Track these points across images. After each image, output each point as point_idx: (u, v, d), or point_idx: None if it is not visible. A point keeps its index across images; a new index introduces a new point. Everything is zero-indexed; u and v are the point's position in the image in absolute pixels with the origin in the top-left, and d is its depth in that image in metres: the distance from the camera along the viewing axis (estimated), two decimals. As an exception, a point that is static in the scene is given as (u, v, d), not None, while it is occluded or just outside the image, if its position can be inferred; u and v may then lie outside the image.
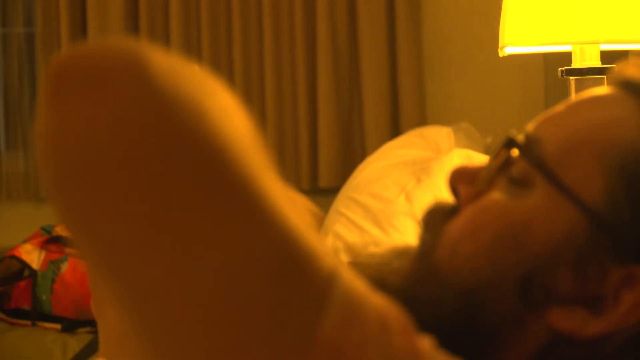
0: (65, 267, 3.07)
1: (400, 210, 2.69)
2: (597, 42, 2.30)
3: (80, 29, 4.02)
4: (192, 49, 3.91)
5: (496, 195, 0.82)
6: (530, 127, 0.85)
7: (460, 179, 0.86)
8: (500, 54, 2.43)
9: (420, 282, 0.82)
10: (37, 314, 3.06)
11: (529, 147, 0.82)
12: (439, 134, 3.17)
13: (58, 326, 3.00)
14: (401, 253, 0.89)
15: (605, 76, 2.14)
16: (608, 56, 2.32)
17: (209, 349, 0.59)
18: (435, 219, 0.87)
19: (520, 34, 2.35)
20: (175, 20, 3.93)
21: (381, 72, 3.88)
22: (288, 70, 3.94)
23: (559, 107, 0.87)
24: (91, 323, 2.95)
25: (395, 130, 3.85)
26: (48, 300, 3.04)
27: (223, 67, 3.90)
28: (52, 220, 3.42)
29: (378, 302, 0.65)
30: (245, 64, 3.96)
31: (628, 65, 0.89)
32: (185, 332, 0.59)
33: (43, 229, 3.27)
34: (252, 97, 3.96)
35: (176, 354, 0.59)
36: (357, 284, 0.64)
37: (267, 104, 3.93)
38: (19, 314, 3.10)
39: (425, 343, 0.67)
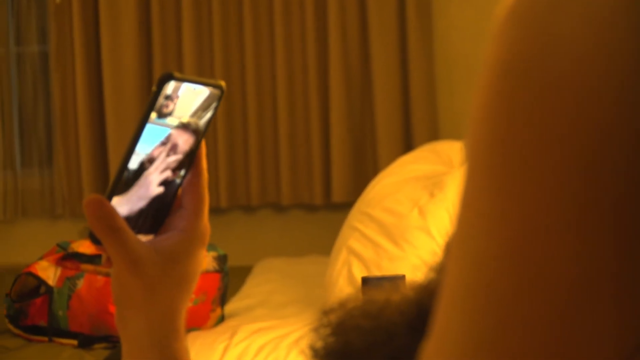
0: (81, 284, 3.07)
1: (414, 225, 2.70)
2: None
3: (93, 47, 4.04)
4: (204, 66, 3.94)
5: None
6: None
7: None
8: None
9: None
10: (54, 330, 3.07)
11: None
12: (451, 148, 3.18)
13: (74, 342, 3.01)
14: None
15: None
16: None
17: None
18: None
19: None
20: (187, 37, 3.95)
21: (393, 87, 3.89)
22: (300, 87, 3.96)
23: None
24: (107, 339, 2.96)
25: (407, 145, 3.86)
26: (64, 317, 3.05)
27: (235, 85, 3.92)
28: (67, 236, 3.44)
29: None
30: (258, 81, 3.98)
31: None
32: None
33: (59, 245, 3.28)
34: (265, 114, 3.99)
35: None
36: None
37: (280, 120, 3.94)
38: (35, 330, 3.11)
39: None
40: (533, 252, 0.52)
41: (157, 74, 3.98)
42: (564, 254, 0.51)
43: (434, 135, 3.82)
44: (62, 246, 3.25)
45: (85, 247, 3.10)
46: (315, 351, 0.86)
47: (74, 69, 4.03)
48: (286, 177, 3.97)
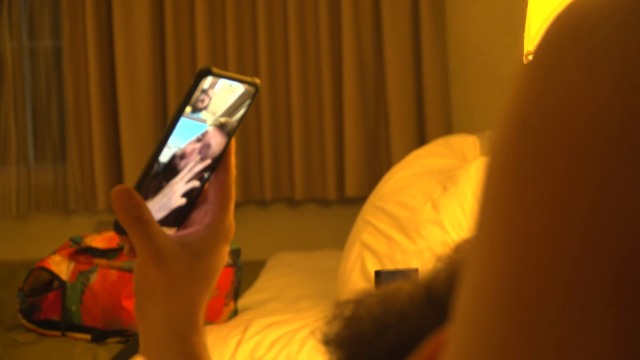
0: (94, 278, 3.08)
1: (427, 219, 2.70)
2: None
3: (106, 42, 4.05)
4: (218, 65, 3.94)
5: None
6: None
7: None
8: (525, 62, 2.44)
9: None
10: (67, 325, 3.08)
11: None
12: (464, 142, 3.18)
13: (87, 336, 3.01)
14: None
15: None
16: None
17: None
18: None
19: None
20: (201, 36, 3.96)
21: (406, 82, 3.89)
22: (314, 83, 3.96)
23: None
24: (120, 333, 2.97)
25: (420, 139, 3.86)
26: (77, 311, 3.06)
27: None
28: (80, 231, 3.46)
29: None
30: (272, 78, 3.98)
31: None
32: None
33: (72, 240, 3.29)
34: (279, 110, 3.99)
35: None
36: None
37: (294, 117, 3.94)
38: (48, 324, 3.12)
39: None
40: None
41: (170, 68, 3.99)
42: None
43: (448, 129, 3.82)
44: (75, 241, 3.26)
45: (98, 241, 3.11)
46: (327, 341, 0.86)
47: (87, 64, 4.04)
48: (300, 171, 3.98)
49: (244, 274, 3.37)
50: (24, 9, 4.15)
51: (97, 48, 4.02)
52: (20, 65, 4.14)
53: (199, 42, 3.96)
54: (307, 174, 3.99)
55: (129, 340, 2.90)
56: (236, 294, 3.02)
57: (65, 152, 4.15)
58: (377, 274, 2.52)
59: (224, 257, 1.03)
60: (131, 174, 3.95)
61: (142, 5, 3.99)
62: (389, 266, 2.63)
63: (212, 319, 2.87)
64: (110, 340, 3.02)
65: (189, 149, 0.96)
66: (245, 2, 3.98)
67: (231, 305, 2.97)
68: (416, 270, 1.87)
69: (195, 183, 0.99)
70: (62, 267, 3.18)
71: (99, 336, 3.01)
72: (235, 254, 3.02)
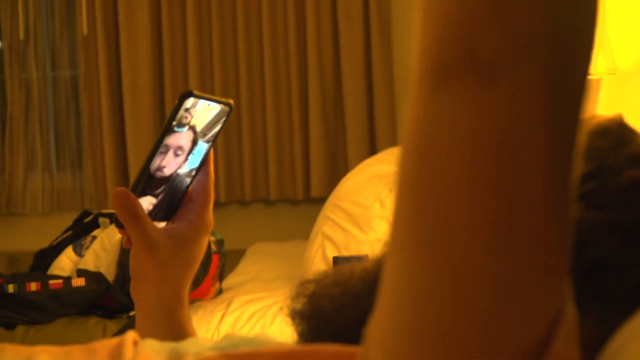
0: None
1: (376, 215, 2.69)
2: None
3: (115, 72, 4.03)
4: (206, 89, 3.93)
5: None
6: None
7: None
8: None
9: None
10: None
11: None
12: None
13: (99, 312, 2.99)
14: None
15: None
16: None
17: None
18: None
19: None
20: (193, 66, 3.95)
21: (360, 104, 3.89)
22: (285, 107, 3.97)
23: None
24: (127, 310, 2.94)
25: (372, 149, 3.86)
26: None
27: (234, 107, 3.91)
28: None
29: None
30: (250, 102, 3.98)
31: None
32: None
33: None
34: (256, 127, 3.99)
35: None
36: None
37: (269, 133, 3.94)
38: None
39: None
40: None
41: (167, 94, 3.97)
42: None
43: (394, 141, 3.81)
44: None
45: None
46: (293, 315, 0.85)
47: (99, 90, 4.02)
48: (274, 176, 3.96)
49: (228, 260, 3.35)
50: (47, 44, 4.13)
51: (107, 77, 4.00)
52: (45, 91, 4.12)
53: (191, 70, 3.95)
54: (280, 179, 3.98)
55: (131, 317, 2.88)
56: (221, 276, 3.01)
57: (82, 161, 4.13)
58: (335, 259, 2.52)
59: (204, 246, 1.03)
60: (136, 179, 3.92)
61: (144, 41, 3.98)
62: (345, 253, 2.62)
63: (201, 297, 2.86)
64: (119, 315, 2.99)
65: (170, 156, 0.96)
66: (228, 37, 3.96)
67: (217, 285, 2.95)
68: (367, 256, 1.87)
69: (182, 184, 0.99)
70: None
71: (110, 312, 2.96)
72: (220, 243, 3.01)
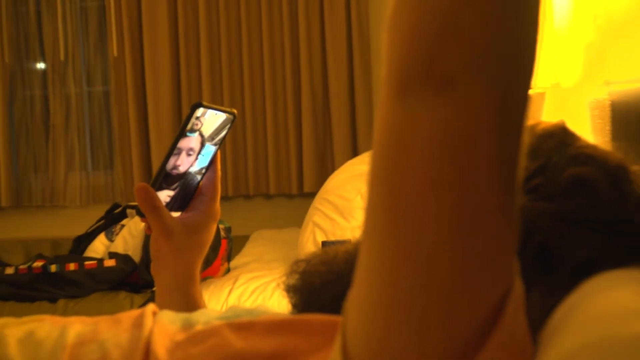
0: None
1: (357, 206, 2.69)
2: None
3: (141, 88, 4.02)
4: (217, 101, 3.92)
5: None
6: None
7: None
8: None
9: None
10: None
11: None
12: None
13: (127, 288, 2.97)
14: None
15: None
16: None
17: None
18: None
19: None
20: (205, 82, 3.94)
21: (344, 115, 3.89)
22: (282, 116, 3.96)
23: None
24: (150, 286, 2.93)
25: (354, 152, 3.86)
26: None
27: (238, 112, 3.90)
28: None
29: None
30: (253, 114, 3.97)
31: None
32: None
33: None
34: (258, 134, 3.98)
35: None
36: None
37: (269, 139, 3.94)
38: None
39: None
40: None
41: (184, 106, 3.96)
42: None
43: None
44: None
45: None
46: (287, 289, 0.85)
47: (127, 103, 4.00)
48: (273, 175, 3.96)
49: (234, 244, 3.34)
50: (83, 64, 4.11)
51: (134, 92, 3.98)
52: (82, 104, 4.10)
53: (204, 86, 3.94)
54: (278, 177, 3.98)
55: (154, 292, 2.87)
56: (229, 258, 3.00)
57: (113, 162, 4.11)
58: (323, 243, 2.51)
59: (213, 232, 1.03)
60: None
61: (165, 61, 3.96)
62: (332, 238, 2.62)
63: (212, 275, 2.85)
64: (145, 290, 2.97)
65: (184, 157, 0.95)
66: (235, 57, 3.95)
67: (225, 265, 2.94)
68: (349, 240, 1.85)
69: (194, 180, 0.99)
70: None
71: (137, 287, 2.94)
72: (228, 230, 3.00)
